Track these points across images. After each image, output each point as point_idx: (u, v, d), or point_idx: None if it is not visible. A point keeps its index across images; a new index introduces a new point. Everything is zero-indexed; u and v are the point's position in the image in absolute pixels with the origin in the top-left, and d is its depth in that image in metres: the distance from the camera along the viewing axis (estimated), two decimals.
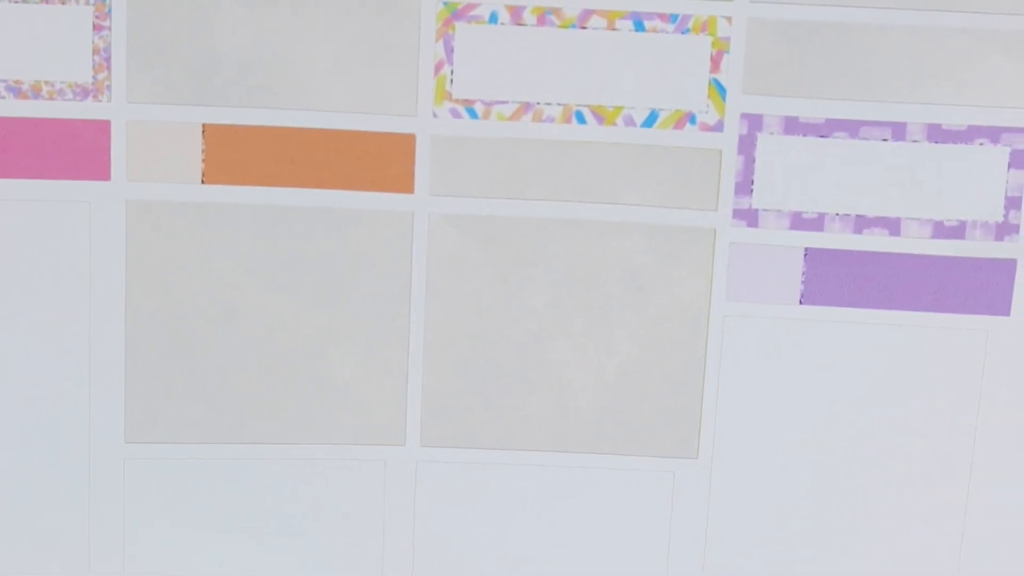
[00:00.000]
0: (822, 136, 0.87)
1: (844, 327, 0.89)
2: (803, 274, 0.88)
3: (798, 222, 0.88)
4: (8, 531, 0.90)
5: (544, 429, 0.91)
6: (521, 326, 0.90)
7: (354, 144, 0.87)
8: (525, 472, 0.91)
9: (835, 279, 0.88)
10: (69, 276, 0.88)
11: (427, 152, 0.87)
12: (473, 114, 0.87)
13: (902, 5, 0.85)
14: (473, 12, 0.86)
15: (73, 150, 0.86)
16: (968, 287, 0.88)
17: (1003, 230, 0.88)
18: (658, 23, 0.86)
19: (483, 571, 0.93)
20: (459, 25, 0.86)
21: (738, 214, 0.88)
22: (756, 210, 0.88)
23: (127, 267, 0.88)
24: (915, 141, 0.87)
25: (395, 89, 0.86)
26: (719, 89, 0.86)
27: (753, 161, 0.87)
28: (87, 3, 0.85)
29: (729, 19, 0.86)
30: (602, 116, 0.87)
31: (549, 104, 0.87)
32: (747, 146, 0.87)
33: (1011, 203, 0.87)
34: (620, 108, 0.87)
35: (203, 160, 0.87)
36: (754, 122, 0.87)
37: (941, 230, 0.88)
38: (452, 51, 0.86)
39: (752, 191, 0.88)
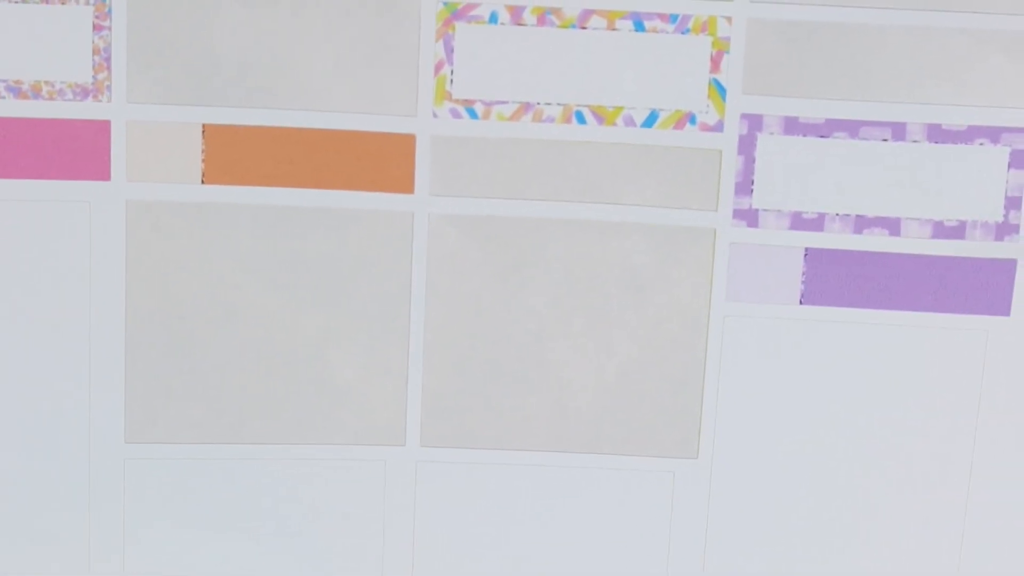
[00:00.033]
0: (822, 136, 0.87)
1: (844, 327, 0.89)
2: (803, 274, 0.89)
3: (798, 222, 0.88)
4: (8, 531, 0.90)
5: (544, 429, 0.91)
6: (521, 326, 0.90)
7: (354, 144, 0.87)
8: (525, 472, 0.91)
9: (835, 279, 0.88)
10: (69, 276, 0.88)
11: (427, 152, 0.87)
12: (473, 114, 0.87)
13: (901, 5, 0.85)
14: (473, 12, 0.86)
15: (73, 150, 0.86)
16: (968, 287, 0.88)
17: (1003, 230, 0.88)
18: (658, 23, 0.86)
19: (483, 571, 0.93)
20: (459, 25, 0.86)
21: (738, 214, 0.88)
22: (756, 210, 0.88)
23: (127, 267, 0.88)
24: (915, 141, 0.87)
25: (395, 89, 0.86)
26: (719, 89, 0.86)
27: (753, 161, 0.87)
28: (87, 3, 0.85)
29: (729, 19, 0.86)
30: (602, 116, 0.87)
31: (549, 104, 0.87)
32: (747, 146, 0.87)
33: (1011, 203, 0.87)
34: (620, 108, 0.87)
35: (203, 160, 0.87)
36: (754, 122, 0.87)
37: (941, 230, 0.88)
38: (452, 51, 0.86)
39: (752, 191, 0.88)
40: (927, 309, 0.89)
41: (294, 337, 0.89)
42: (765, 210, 0.88)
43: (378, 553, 0.92)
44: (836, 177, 0.87)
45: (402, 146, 0.87)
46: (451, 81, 0.86)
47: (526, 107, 0.87)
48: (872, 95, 0.87)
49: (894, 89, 0.87)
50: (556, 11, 0.86)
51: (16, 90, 0.85)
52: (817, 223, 0.88)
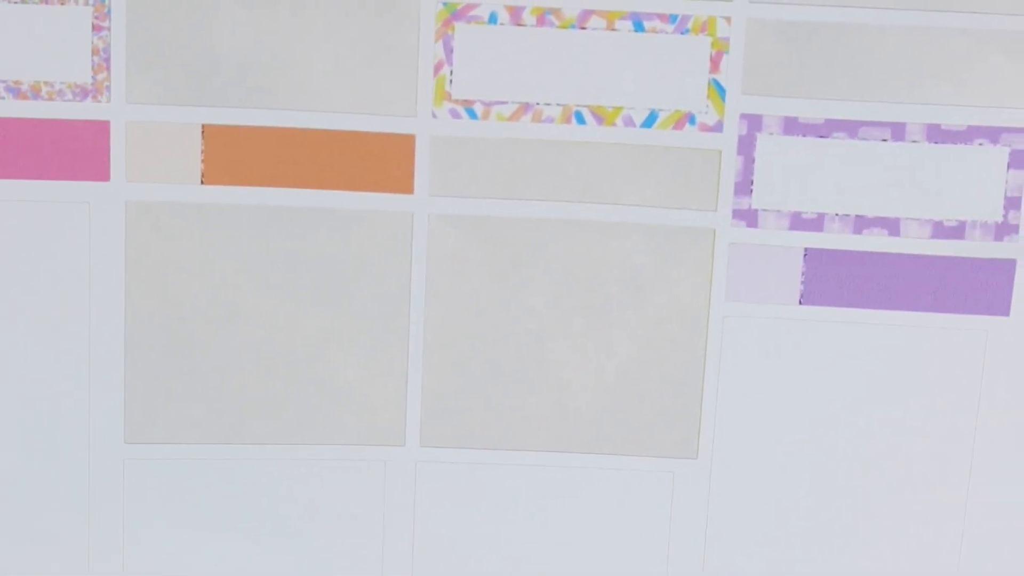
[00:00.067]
0: (821, 136, 0.87)
1: (844, 327, 0.89)
2: (803, 274, 0.89)
3: (798, 222, 0.88)
4: (8, 531, 0.90)
5: (544, 429, 0.91)
6: (521, 326, 0.90)
7: (354, 145, 0.87)
8: (525, 472, 0.91)
9: (835, 279, 0.88)
10: (69, 277, 0.88)
11: (427, 153, 0.87)
12: (472, 114, 0.87)
13: (901, 5, 0.85)
14: (472, 12, 0.86)
15: (72, 151, 0.86)
16: (967, 287, 0.88)
17: (1002, 230, 0.88)
18: (657, 23, 0.86)
19: (483, 571, 0.93)
20: (458, 25, 0.86)
21: (737, 214, 0.88)
22: (755, 210, 0.88)
23: (127, 268, 0.88)
24: (914, 141, 0.87)
25: (394, 90, 0.86)
26: (718, 89, 0.86)
27: (752, 161, 0.87)
28: (86, 4, 0.85)
29: (728, 19, 0.86)
30: (601, 116, 0.87)
31: (548, 104, 0.87)
32: (746, 146, 0.87)
33: (1010, 203, 0.87)
34: (619, 108, 0.87)
35: (202, 161, 0.87)
36: (753, 122, 0.87)
37: (940, 230, 0.88)
38: (451, 51, 0.86)
39: (751, 191, 0.88)
40: (927, 309, 0.89)
41: (294, 337, 0.89)
42: (765, 210, 0.88)
43: (378, 553, 0.92)
44: (836, 177, 0.87)
45: (402, 146, 0.87)
46: (450, 81, 0.86)
47: (525, 107, 0.87)
48: (872, 95, 0.87)
49: (894, 89, 0.86)
50: (555, 11, 0.86)
51: (15, 90, 0.85)
52: (817, 223, 0.88)
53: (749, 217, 0.88)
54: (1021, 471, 0.91)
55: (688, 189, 0.88)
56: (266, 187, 0.87)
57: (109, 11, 0.85)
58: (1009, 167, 0.87)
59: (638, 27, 0.86)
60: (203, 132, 0.86)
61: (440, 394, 0.90)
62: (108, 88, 0.86)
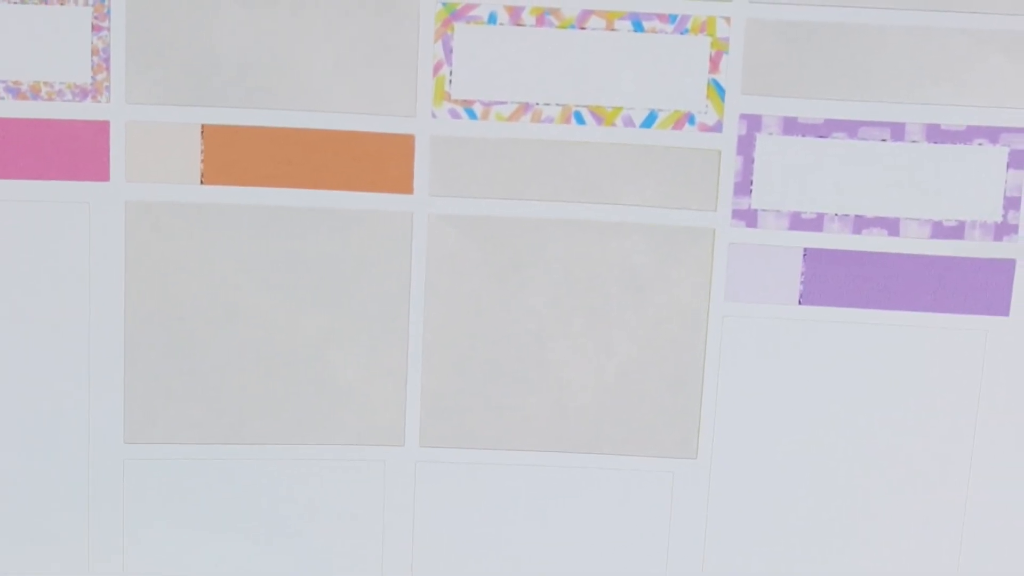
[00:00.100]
0: (821, 136, 0.87)
1: (843, 327, 0.89)
2: (802, 274, 0.88)
3: (797, 222, 0.88)
4: (8, 531, 0.91)
5: (544, 429, 0.91)
6: (521, 326, 0.90)
7: (353, 145, 0.87)
8: (525, 472, 0.91)
9: (834, 279, 0.88)
10: (69, 277, 0.88)
11: (426, 153, 0.87)
12: (472, 115, 0.87)
13: (901, 5, 0.85)
14: (472, 12, 0.86)
15: (72, 151, 0.86)
16: (967, 287, 0.88)
17: (1002, 230, 0.88)
18: (657, 23, 0.86)
19: (483, 571, 0.93)
20: (458, 26, 0.86)
21: (737, 214, 0.88)
22: (755, 210, 0.88)
23: (126, 268, 0.88)
24: (914, 141, 0.87)
25: (394, 90, 0.86)
26: (718, 89, 0.86)
27: (752, 161, 0.87)
28: (86, 4, 0.85)
29: (728, 19, 0.86)
30: (601, 116, 0.87)
31: (548, 104, 0.87)
32: (746, 146, 0.87)
33: (1010, 203, 0.87)
34: (619, 108, 0.87)
35: (202, 161, 0.87)
36: (753, 122, 0.87)
37: (940, 230, 0.88)
38: (451, 52, 0.86)
39: (751, 191, 0.88)
40: (926, 309, 0.89)
41: (294, 337, 0.89)
42: (764, 210, 0.88)
43: (377, 553, 0.92)
44: (835, 177, 0.87)
45: (401, 146, 0.87)
46: (450, 81, 0.86)
47: (525, 107, 0.87)
48: (871, 95, 0.87)
49: (893, 89, 0.86)
50: (555, 11, 0.86)
51: (15, 91, 0.85)
52: (816, 223, 0.88)
53: (749, 217, 0.88)
54: (1021, 471, 0.91)
55: (688, 189, 0.88)
56: (266, 187, 0.87)
57: (109, 11, 0.85)
58: (1008, 167, 0.87)
59: (637, 27, 0.86)
60: (203, 132, 0.86)
61: (440, 394, 0.90)
62: (108, 88, 0.86)
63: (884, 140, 0.87)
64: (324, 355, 0.89)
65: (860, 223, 0.88)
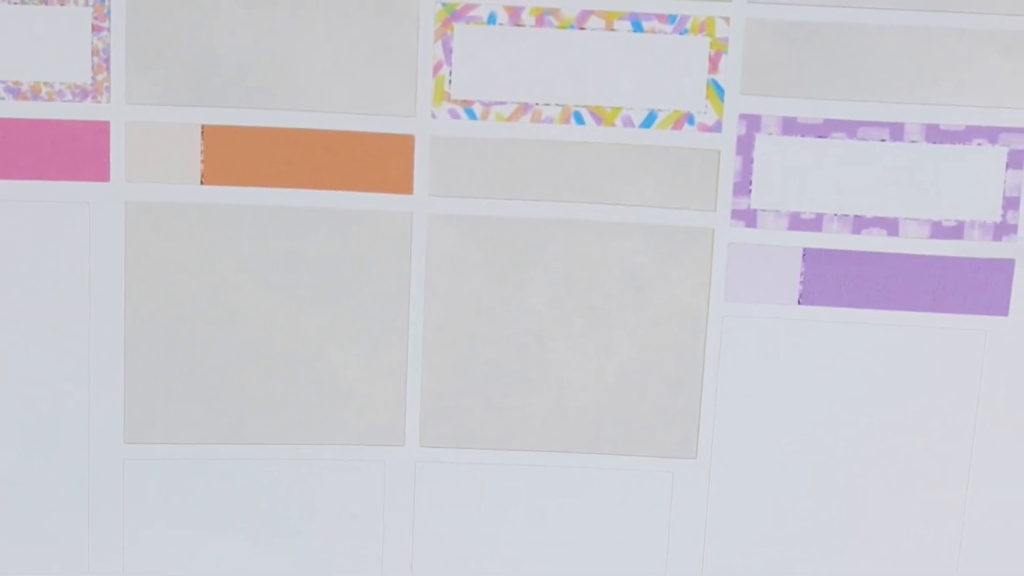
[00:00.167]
0: (820, 136, 0.87)
1: (843, 327, 0.89)
2: (801, 274, 0.89)
3: (796, 222, 0.88)
4: (8, 531, 0.91)
5: (544, 429, 0.91)
6: (521, 326, 0.90)
7: (353, 145, 0.87)
8: (525, 472, 0.91)
9: (833, 279, 0.88)
10: (69, 277, 0.88)
11: (426, 153, 0.87)
12: (472, 115, 0.87)
13: (901, 6, 0.85)
14: (471, 13, 0.86)
15: (72, 151, 0.86)
16: (966, 287, 0.88)
17: (1001, 230, 0.88)
18: (656, 24, 0.86)
19: (483, 571, 0.93)
20: (457, 26, 0.86)
21: (736, 214, 0.88)
22: (754, 210, 0.88)
23: (126, 268, 0.88)
24: (913, 141, 0.87)
25: (394, 90, 0.86)
26: (717, 90, 0.86)
27: (751, 162, 0.87)
28: (86, 4, 0.85)
29: (727, 20, 0.86)
30: (600, 117, 0.87)
31: (548, 105, 0.87)
32: (745, 147, 0.87)
33: (1009, 203, 0.87)
34: (618, 109, 0.87)
35: (202, 161, 0.87)
36: (752, 123, 0.87)
37: (939, 230, 0.88)
38: (451, 52, 0.86)
39: (750, 191, 0.88)
40: (925, 309, 0.89)
41: (294, 337, 0.89)
42: (763, 210, 0.88)
43: (377, 553, 0.92)
44: (834, 177, 0.87)
45: (401, 147, 0.87)
46: (450, 82, 0.86)
47: (525, 107, 0.87)
48: (871, 95, 0.87)
49: (893, 89, 0.86)
50: (554, 12, 0.86)
51: (15, 91, 0.85)
52: (815, 223, 0.88)
53: (748, 217, 0.88)
54: (1020, 471, 0.91)
55: (687, 189, 0.88)
56: (266, 187, 0.87)
57: (109, 12, 0.85)
58: (1008, 167, 0.87)
59: (637, 27, 0.86)
60: (203, 132, 0.86)
61: (440, 394, 0.90)
62: (108, 88, 0.86)
63: (883, 140, 0.87)
64: (324, 355, 0.89)
65: (859, 223, 0.88)
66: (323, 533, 0.91)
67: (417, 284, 0.89)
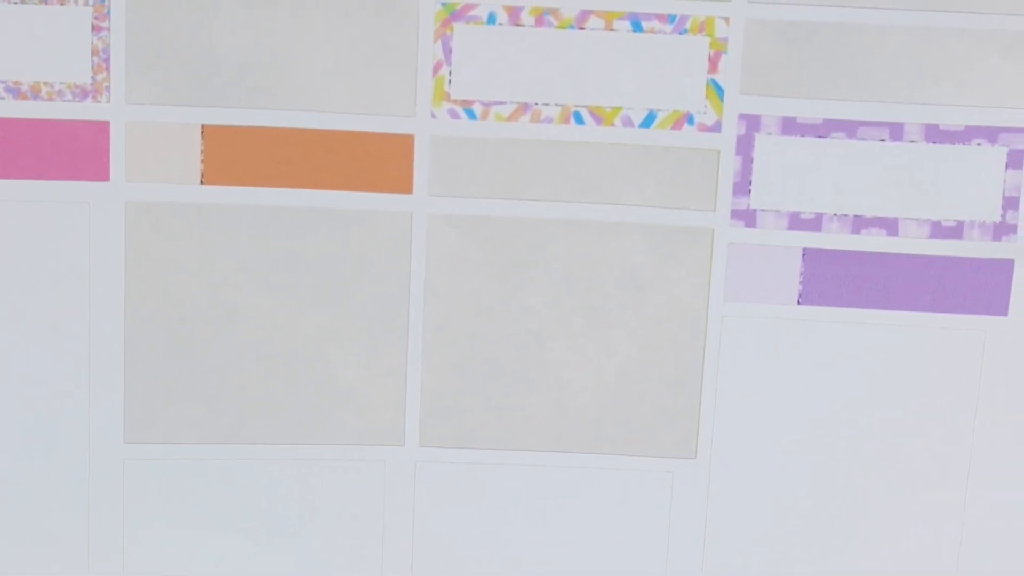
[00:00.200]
0: (820, 136, 0.87)
1: (842, 327, 0.89)
2: (801, 274, 0.89)
3: (796, 222, 0.88)
4: (8, 531, 0.91)
5: (544, 429, 0.91)
6: (521, 326, 0.90)
7: (353, 145, 0.87)
8: (524, 472, 0.91)
9: (833, 279, 0.88)
10: (68, 277, 0.88)
11: (426, 153, 0.87)
12: (471, 115, 0.87)
13: (901, 6, 0.85)
14: (471, 13, 0.86)
15: (72, 151, 0.86)
16: (966, 287, 0.88)
17: (1000, 230, 0.88)
18: (656, 24, 0.86)
19: (482, 571, 0.93)
20: (457, 26, 0.86)
21: (736, 214, 0.88)
22: (754, 210, 0.88)
23: (126, 268, 0.88)
24: (913, 141, 0.87)
25: (394, 90, 0.87)
26: (717, 90, 0.86)
27: (751, 161, 0.87)
28: (86, 4, 0.85)
29: (727, 20, 0.86)
30: (600, 116, 0.87)
31: (547, 104, 0.87)
32: (745, 146, 0.87)
33: (1008, 203, 0.87)
34: (618, 108, 0.87)
35: (202, 161, 0.87)
36: (752, 122, 0.87)
37: (939, 230, 0.88)
38: (450, 52, 0.86)
39: (750, 191, 0.88)
40: (925, 309, 0.89)
41: (293, 337, 0.89)
42: (763, 210, 0.88)
43: (377, 553, 0.92)
44: (834, 177, 0.87)
45: (401, 146, 0.87)
46: (449, 82, 0.86)
47: (524, 107, 0.87)
48: (870, 95, 0.87)
49: (893, 89, 0.87)
50: (554, 12, 0.86)
51: (15, 91, 0.86)
52: (815, 223, 0.88)
53: (748, 217, 0.88)
54: (1020, 470, 0.91)
55: (687, 189, 0.88)
56: (265, 187, 0.87)
57: (109, 11, 0.85)
58: (1007, 167, 0.87)
59: (636, 27, 0.86)
60: (203, 132, 0.87)
61: (440, 394, 0.90)
62: (108, 88, 0.86)
63: (883, 140, 0.87)
64: (324, 355, 0.89)
65: (859, 223, 0.88)
66: (323, 533, 0.91)
67: (417, 284, 0.89)
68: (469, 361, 0.90)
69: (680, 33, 0.86)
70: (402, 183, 0.88)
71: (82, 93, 0.86)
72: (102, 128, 0.86)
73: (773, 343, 0.89)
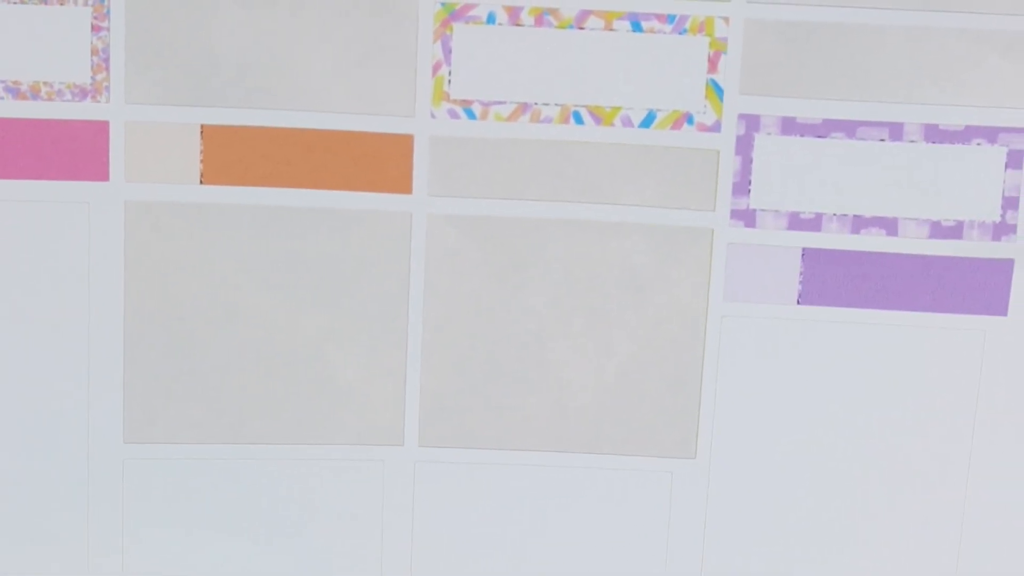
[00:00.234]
0: (819, 136, 0.87)
1: (842, 327, 0.89)
2: (801, 274, 0.89)
3: (796, 222, 0.88)
4: (8, 531, 0.91)
5: (543, 429, 0.91)
6: (521, 326, 0.90)
7: (352, 145, 0.87)
8: (524, 472, 0.91)
9: (833, 279, 0.88)
10: (68, 277, 0.88)
11: (425, 153, 0.87)
12: (471, 115, 0.87)
13: (900, 6, 0.85)
14: (471, 13, 0.86)
15: (72, 151, 0.86)
16: (965, 287, 0.88)
17: (1000, 230, 0.88)
18: (655, 24, 0.86)
19: (482, 571, 0.93)
20: (457, 26, 0.86)
21: (736, 214, 0.88)
22: (754, 210, 0.88)
23: (126, 268, 0.88)
24: (912, 141, 0.87)
25: (393, 90, 0.87)
26: (716, 89, 0.86)
27: (751, 161, 0.87)
28: (85, 4, 0.85)
29: (726, 20, 0.86)
30: (600, 116, 0.87)
31: (547, 104, 0.87)
32: (744, 146, 0.87)
33: (1008, 203, 0.87)
34: (618, 108, 0.87)
35: (201, 161, 0.87)
36: (751, 122, 0.87)
37: (938, 230, 0.88)
38: (450, 52, 0.86)
39: (750, 191, 0.88)
40: (925, 309, 0.89)
41: (293, 337, 0.89)
42: (763, 210, 0.88)
43: (377, 553, 0.92)
44: (834, 177, 0.87)
45: (400, 146, 0.87)
46: (449, 81, 0.87)
47: (524, 107, 0.87)
48: (870, 95, 0.87)
49: (892, 89, 0.86)
50: (554, 11, 0.86)
51: (15, 91, 0.86)
52: (815, 223, 0.88)
53: (747, 217, 0.88)
54: (1019, 470, 0.91)
55: (686, 189, 0.88)
56: (265, 187, 0.87)
57: (108, 11, 0.85)
58: (1007, 167, 0.87)
59: (636, 27, 0.86)
60: (202, 132, 0.87)
61: (439, 394, 0.90)
62: (107, 88, 0.86)
63: (883, 140, 0.87)
64: (324, 355, 0.89)
65: (859, 223, 0.88)
66: (323, 533, 0.92)
67: (417, 284, 0.89)
68: (469, 361, 0.90)
69: (680, 33, 0.86)
70: (402, 183, 0.88)
71: (81, 93, 0.86)
72: (101, 128, 0.86)
73: (772, 343, 0.89)
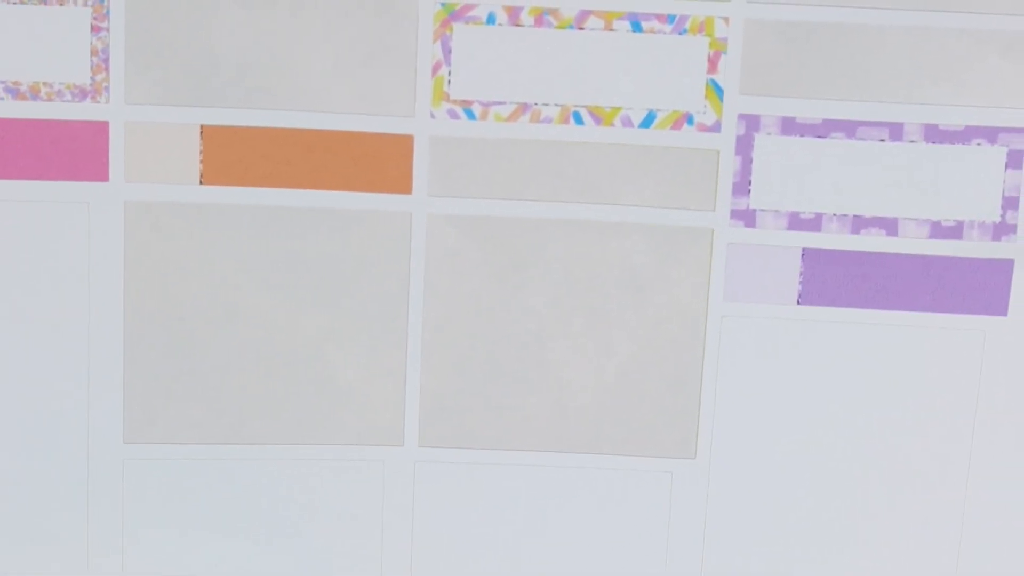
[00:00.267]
0: (819, 136, 0.87)
1: (842, 327, 0.89)
2: (801, 274, 0.88)
3: (795, 222, 0.88)
4: (8, 531, 0.91)
5: (543, 429, 0.91)
6: (520, 326, 0.90)
7: (352, 145, 0.87)
8: (524, 472, 0.91)
9: (833, 279, 0.88)
10: (68, 277, 0.88)
11: (425, 153, 0.87)
12: (471, 115, 0.87)
13: (900, 6, 0.85)
14: (471, 13, 0.86)
15: (71, 151, 0.86)
16: (965, 287, 0.88)
17: (1000, 230, 0.88)
18: (655, 24, 0.86)
19: (482, 571, 0.93)
20: (457, 26, 0.86)
21: (736, 214, 0.88)
22: (754, 210, 0.88)
23: (126, 268, 0.88)
24: (912, 141, 0.87)
25: (393, 90, 0.87)
26: (716, 90, 0.86)
27: (751, 161, 0.87)
28: (85, 4, 0.85)
29: (726, 20, 0.86)
30: (600, 117, 0.87)
31: (547, 105, 0.87)
32: (744, 147, 0.87)
33: (1008, 203, 0.87)
34: (618, 109, 0.87)
35: (201, 161, 0.87)
36: (751, 122, 0.87)
37: (938, 230, 0.88)
38: (450, 52, 0.86)
39: (750, 191, 0.88)
40: (924, 309, 0.89)
41: (293, 337, 0.89)
42: (763, 210, 0.88)
43: (377, 553, 0.92)
44: (833, 177, 0.87)
45: (400, 147, 0.87)
46: (449, 82, 0.86)
47: (524, 107, 0.87)
48: (870, 95, 0.87)
49: (892, 89, 0.86)
50: (553, 12, 0.86)
51: (15, 91, 0.86)
52: (814, 223, 0.88)
53: (747, 217, 0.88)
54: (1019, 470, 0.91)
55: (686, 189, 0.88)
56: (265, 187, 0.87)
57: (108, 12, 0.85)
58: (1007, 167, 0.87)
59: (636, 27, 0.86)
60: (202, 132, 0.87)
61: (439, 394, 0.90)
62: (107, 89, 0.86)
63: (883, 140, 0.87)
64: (324, 355, 0.89)
65: (858, 223, 0.88)
66: (323, 533, 0.92)
67: (416, 284, 0.89)
68: (469, 361, 0.90)
69: (680, 33, 0.86)
70: (401, 183, 0.88)
71: (81, 93, 0.86)
72: (101, 128, 0.86)
73: (772, 343, 0.89)
